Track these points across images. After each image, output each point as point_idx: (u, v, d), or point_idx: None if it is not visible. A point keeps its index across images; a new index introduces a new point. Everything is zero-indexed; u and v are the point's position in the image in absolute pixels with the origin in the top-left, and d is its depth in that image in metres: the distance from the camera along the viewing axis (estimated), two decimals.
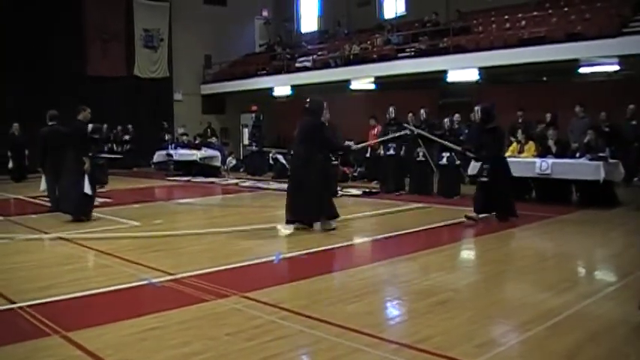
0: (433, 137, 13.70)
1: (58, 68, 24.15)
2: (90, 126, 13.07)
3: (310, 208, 9.72)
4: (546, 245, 9.03)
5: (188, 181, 19.71)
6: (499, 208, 10.59)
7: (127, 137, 25.82)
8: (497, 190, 10.42)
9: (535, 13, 18.78)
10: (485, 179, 10.54)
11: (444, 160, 14.24)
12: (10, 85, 23.13)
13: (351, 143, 13.06)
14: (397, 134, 14.13)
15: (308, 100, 10.28)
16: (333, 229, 9.71)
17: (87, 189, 11.10)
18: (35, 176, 15.58)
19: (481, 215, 10.51)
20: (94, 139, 18.01)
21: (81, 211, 11.11)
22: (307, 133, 9.88)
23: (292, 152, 10.80)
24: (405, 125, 14.38)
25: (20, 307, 5.67)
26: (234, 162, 24.52)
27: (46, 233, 9.84)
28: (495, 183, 10.40)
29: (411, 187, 14.89)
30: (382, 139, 14.83)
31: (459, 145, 12.92)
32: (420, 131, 14.03)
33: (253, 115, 23.35)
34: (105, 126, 23.39)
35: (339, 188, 14.75)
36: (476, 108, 11.15)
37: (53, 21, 24.20)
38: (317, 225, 9.82)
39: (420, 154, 14.57)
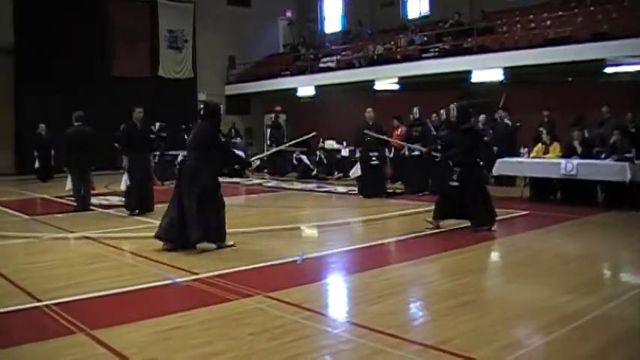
0: (384, 138, 13.39)
1: (83, 69, 24.43)
2: (157, 125, 13.40)
3: (194, 227, 8.20)
4: (570, 247, 8.97)
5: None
6: (470, 215, 9.77)
7: (152, 136, 25.95)
8: (467, 196, 9.63)
9: (560, 13, 18.64)
10: (455, 184, 9.72)
11: None
12: (36, 85, 23.42)
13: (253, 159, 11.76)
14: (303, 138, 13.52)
15: (203, 104, 9.57)
16: (231, 245, 8.51)
17: (123, 185, 12.01)
18: (61, 176, 15.74)
19: (443, 222, 9.88)
20: (162, 136, 18.43)
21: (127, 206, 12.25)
22: (199, 139, 8.60)
23: (182, 159, 9.46)
24: (366, 132, 14.19)
25: (46, 306, 5.74)
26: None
27: (71, 232, 9.94)
28: (465, 189, 9.62)
29: (433, 188, 14.80)
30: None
31: None
32: (371, 133, 13.82)
33: (272, 115, 23.37)
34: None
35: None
36: (451, 106, 10.21)
37: (79, 22, 24.47)
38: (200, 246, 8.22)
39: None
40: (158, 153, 12.01)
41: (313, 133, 12.64)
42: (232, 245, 8.50)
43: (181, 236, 8.28)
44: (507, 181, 15.36)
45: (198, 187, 8.24)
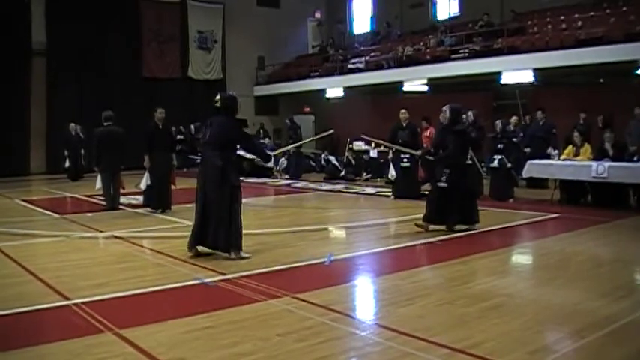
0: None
1: (114, 70, 24.78)
2: (192, 127, 13.41)
3: (222, 234, 7.81)
4: (602, 251, 8.83)
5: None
6: (456, 215, 9.73)
7: (181, 137, 26.19)
8: (456, 197, 9.62)
9: (592, 14, 18.43)
10: (443, 185, 9.67)
11: (495, 163, 14.04)
12: (68, 86, 23.81)
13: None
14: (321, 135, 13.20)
15: (217, 95, 8.31)
16: (248, 257, 7.90)
17: (143, 184, 12.30)
18: (91, 175, 15.89)
19: (432, 227, 9.75)
20: (197, 138, 18.68)
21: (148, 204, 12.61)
22: (223, 135, 8.00)
23: (201, 158, 8.59)
24: (364, 136, 14.03)
25: (75, 304, 5.79)
26: (286, 163, 24.62)
27: (101, 232, 10.03)
28: (454, 190, 9.60)
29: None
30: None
31: None
32: (367, 138, 13.67)
33: (288, 120, 23.34)
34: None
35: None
36: (444, 108, 10.08)
37: (110, 24, 24.83)
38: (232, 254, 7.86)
39: (467, 157, 14.37)
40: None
41: (331, 131, 12.60)
42: (249, 257, 7.88)
43: (206, 241, 7.93)
44: (539, 182, 15.18)
45: (229, 189, 7.84)
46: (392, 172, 14.74)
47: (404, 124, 14.42)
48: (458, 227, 9.75)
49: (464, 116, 14.97)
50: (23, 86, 23.23)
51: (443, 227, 9.75)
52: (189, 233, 8.08)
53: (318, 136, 12.23)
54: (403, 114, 14.58)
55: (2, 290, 6.34)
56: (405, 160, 14.25)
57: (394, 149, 13.88)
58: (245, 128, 8.38)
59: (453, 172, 9.62)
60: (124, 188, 13.20)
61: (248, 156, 13.44)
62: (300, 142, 14.53)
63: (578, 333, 4.90)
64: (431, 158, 10.58)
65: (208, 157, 7.93)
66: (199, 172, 8.12)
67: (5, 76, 22.45)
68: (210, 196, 7.83)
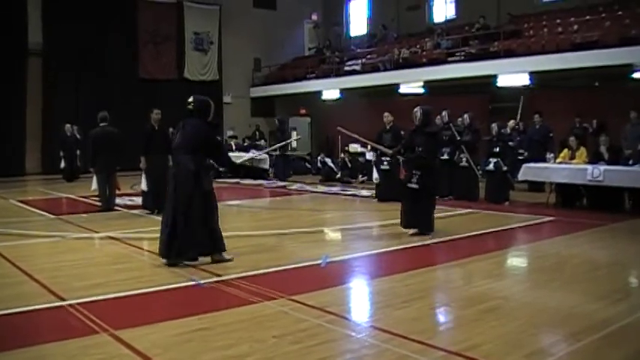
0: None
1: (110, 70, 24.76)
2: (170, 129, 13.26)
3: (195, 241, 7.49)
4: (598, 254, 8.83)
5: (236, 183, 19.81)
6: (420, 220, 9.68)
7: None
8: (423, 200, 9.60)
9: (588, 17, 18.47)
10: (415, 186, 9.57)
11: (491, 166, 14.06)
12: (64, 86, 23.80)
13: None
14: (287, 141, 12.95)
15: (191, 98, 8.06)
16: (229, 260, 7.72)
17: (143, 185, 12.35)
18: (87, 176, 15.86)
19: (411, 231, 9.69)
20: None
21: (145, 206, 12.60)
22: (196, 138, 7.66)
23: (173, 162, 8.04)
24: (339, 128, 14.01)
25: (70, 305, 5.78)
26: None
27: (96, 232, 10.01)
28: (423, 192, 9.55)
29: (456, 193, 14.69)
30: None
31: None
32: (344, 131, 13.66)
33: (276, 119, 23.32)
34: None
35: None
36: (415, 109, 9.94)
37: (107, 25, 24.77)
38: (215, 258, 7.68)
39: (463, 159, 14.42)
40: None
41: (298, 137, 12.56)
42: (231, 260, 7.73)
43: (171, 251, 7.48)
44: (535, 186, 15.22)
45: (202, 195, 7.52)
46: (375, 175, 14.78)
47: (387, 127, 14.42)
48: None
49: (459, 119, 15.03)
50: (19, 86, 23.12)
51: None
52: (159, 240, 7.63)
53: (283, 143, 12.15)
54: (386, 117, 14.62)
55: None
56: (385, 162, 14.25)
57: (378, 151, 13.85)
58: (216, 133, 8.22)
59: (424, 174, 9.59)
60: (119, 189, 13.19)
61: (247, 156, 13.41)
62: (268, 149, 14.37)
63: (575, 336, 4.90)
64: (402, 158, 10.47)
65: (180, 160, 7.58)
66: (170, 176, 7.75)
67: (1, 77, 22.38)
68: (183, 201, 7.43)
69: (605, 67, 16.49)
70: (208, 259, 7.60)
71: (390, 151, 11.47)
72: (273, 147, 14.03)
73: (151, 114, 12.32)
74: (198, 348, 4.69)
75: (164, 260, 7.54)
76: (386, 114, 14.69)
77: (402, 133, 13.55)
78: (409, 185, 9.66)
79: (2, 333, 5.06)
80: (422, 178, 9.54)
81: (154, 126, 12.19)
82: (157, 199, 11.99)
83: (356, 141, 19.04)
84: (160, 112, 12.35)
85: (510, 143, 14.79)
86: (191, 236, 7.41)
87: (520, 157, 15.63)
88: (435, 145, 10.12)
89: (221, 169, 10.30)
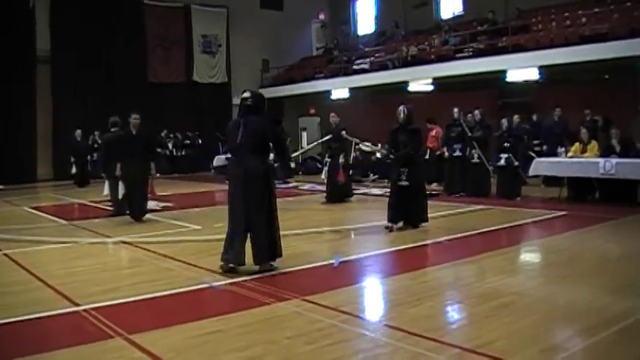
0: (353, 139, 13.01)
1: (120, 75, 24.89)
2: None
3: (263, 246, 7.17)
4: (611, 248, 8.80)
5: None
6: (413, 214, 10.11)
7: (187, 142, 26.38)
8: (414, 194, 10.00)
9: (596, 10, 18.35)
10: (405, 183, 9.92)
11: (502, 162, 14.02)
12: (74, 93, 23.91)
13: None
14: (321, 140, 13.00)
15: (246, 92, 7.46)
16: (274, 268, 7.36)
17: (105, 191, 12.44)
18: (98, 181, 15.91)
19: (398, 225, 10.08)
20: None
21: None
22: (262, 136, 7.28)
23: (235, 162, 7.38)
24: (329, 128, 14.02)
25: (85, 310, 5.79)
26: (292, 165, 24.61)
27: (108, 237, 10.04)
28: (412, 187, 9.94)
29: (468, 189, 14.68)
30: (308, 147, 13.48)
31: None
32: (346, 135, 13.66)
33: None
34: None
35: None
36: (400, 108, 10.12)
37: (114, 30, 24.92)
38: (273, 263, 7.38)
39: (475, 155, 14.39)
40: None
41: (330, 136, 12.56)
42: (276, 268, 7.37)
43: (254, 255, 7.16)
44: (554, 181, 14.74)
45: (269, 196, 7.26)
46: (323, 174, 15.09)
47: (333, 127, 14.65)
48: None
49: (469, 115, 14.99)
50: (29, 94, 23.27)
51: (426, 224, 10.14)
52: (224, 246, 7.27)
53: (316, 142, 12.13)
54: (332, 117, 14.81)
55: (12, 297, 6.35)
56: (326, 163, 14.82)
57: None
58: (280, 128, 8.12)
59: (412, 170, 9.88)
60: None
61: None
62: (306, 148, 14.45)
63: (589, 331, 4.88)
64: (392, 156, 10.43)
65: (248, 161, 7.11)
66: (234, 177, 7.27)
67: (11, 84, 22.54)
68: (255, 205, 7.10)
69: (614, 60, 16.39)
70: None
71: (384, 151, 11.57)
72: (310, 147, 14.16)
73: (129, 119, 11.83)
74: (213, 350, 4.69)
75: (226, 267, 7.21)
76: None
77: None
78: (399, 183, 9.96)
79: (18, 339, 5.08)
80: (410, 174, 9.86)
81: (131, 131, 11.76)
82: (131, 205, 11.79)
83: (366, 140, 19.15)
84: (138, 116, 11.79)
85: (524, 135, 14.76)
86: (261, 242, 7.10)
87: (535, 150, 15.60)
88: (419, 141, 10.43)
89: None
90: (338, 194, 14.33)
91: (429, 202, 10.62)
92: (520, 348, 4.53)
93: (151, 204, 13.41)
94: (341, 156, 14.03)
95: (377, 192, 16.23)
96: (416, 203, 10.07)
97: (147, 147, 11.94)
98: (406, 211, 10.06)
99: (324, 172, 15.02)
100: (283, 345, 4.76)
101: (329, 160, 14.59)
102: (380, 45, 27.22)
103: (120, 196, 12.19)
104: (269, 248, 7.19)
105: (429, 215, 10.28)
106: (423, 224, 10.17)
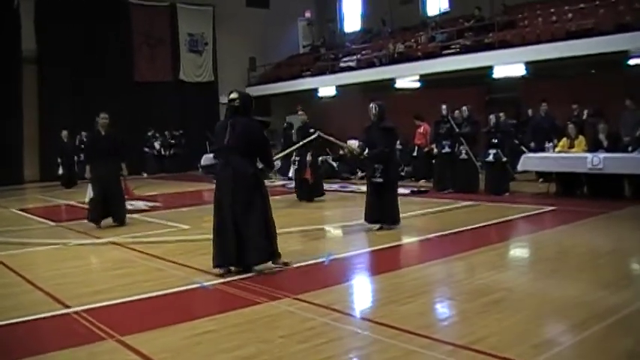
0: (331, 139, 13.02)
1: (106, 75, 24.78)
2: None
3: (259, 245, 7.05)
4: (600, 242, 8.84)
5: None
6: (386, 214, 9.85)
7: (172, 141, 26.29)
8: (386, 193, 9.78)
9: (582, 5, 18.40)
10: (379, 180, 9.69)
11: (491, 157, 14.03)
12: (60, 92, 23.76)
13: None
14: (307, 140, 12.96)
15: (233, 93, 7.27)
16: (287, 264, 7.42)
17: (88, 196, 11.85)
18: (85, 182, 15.85)
19: (376, 227, 9.87)
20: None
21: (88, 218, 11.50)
22: (250, 138, 7.19)
23: (222, 164, 7.25)
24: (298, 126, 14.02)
25: (76, 312, 5.77)
26: (279, 164, 24.55)
27: (98, 238, 9.99)
28: (386, 185, 9.72)
29: (456, 185, 14.70)
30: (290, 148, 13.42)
31: None
32: (321, 134, 13.69)
33: (285, 123, 23.38)
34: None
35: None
36: (371, 105, 10.02)
37: (100, 29, 24.79)
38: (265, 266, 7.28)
39: (463, 152, 14.41)
40: None
41: (317, 134, 12.52)
42: (288, 264, 7.43)
43: (244, 258, 7.05)
44: (547, 175, 14.57)
45: (262, 198, 7.20)
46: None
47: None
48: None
49: (457, 111, 15.00)
50: (15, 94, 23.10)
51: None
52: (213, 250, 7.12)
53: (303, 142, 12.12)
54: (301, 115, 15.15)
55: (1, 300, 6.31)
56: (295, 162, 14.93)
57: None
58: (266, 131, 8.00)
59: (385, 167, 9.73)
60: (130, 196, 12.98)
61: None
62: (291, 149, 14.22)
63: (581, 325, 4.90)
64: (365, 154, 10.27)
65: (237, 163, 7.05)
66: (222, 179, 7.17)
67: None
68: (244, 207, 6.99)
69: (600, 55, 16.46)
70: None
71: (355, 148, 11.38)
72: (293, 148, 13.93)
73: (97, 118, 11.53)
74: (207, 351, 4.69)
75: (228, 269, 7.09)
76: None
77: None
78: (373, 180, 9.80)
79: (8, 342, 5.05)
80: (384, 171, 9.69)
81: (100, 131, 11.41)
82: (107, 208, 11.25)
83: (353, 138, 19.14)
84: (107, 116, 11.49)
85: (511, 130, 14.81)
86: (255, 241, 6.99)
87: (522, 147, 15.63)
88: (393, 138, 10.28)
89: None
90: (308, 193, 14.31)
91: (418, 199, 10.64)
92: (512, 343, 4.54)
93: (139, 204, 13.38)
94: (308, 154, 13.95)
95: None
96: (385, 201, 9.80)
97: (116, 148, 11.44)
98: (380, 209, 9.83)
99: (291, 170, 14.96)
100: (276, 344, 4.76)
101: (297, 158, 14.52)
102: (367, 42, 27.22)
103: (87, 200, 11.94)
104: (265, 249, 7.10)
105: (417, 212, 10.25)
106: (396, 226, 9.88)
